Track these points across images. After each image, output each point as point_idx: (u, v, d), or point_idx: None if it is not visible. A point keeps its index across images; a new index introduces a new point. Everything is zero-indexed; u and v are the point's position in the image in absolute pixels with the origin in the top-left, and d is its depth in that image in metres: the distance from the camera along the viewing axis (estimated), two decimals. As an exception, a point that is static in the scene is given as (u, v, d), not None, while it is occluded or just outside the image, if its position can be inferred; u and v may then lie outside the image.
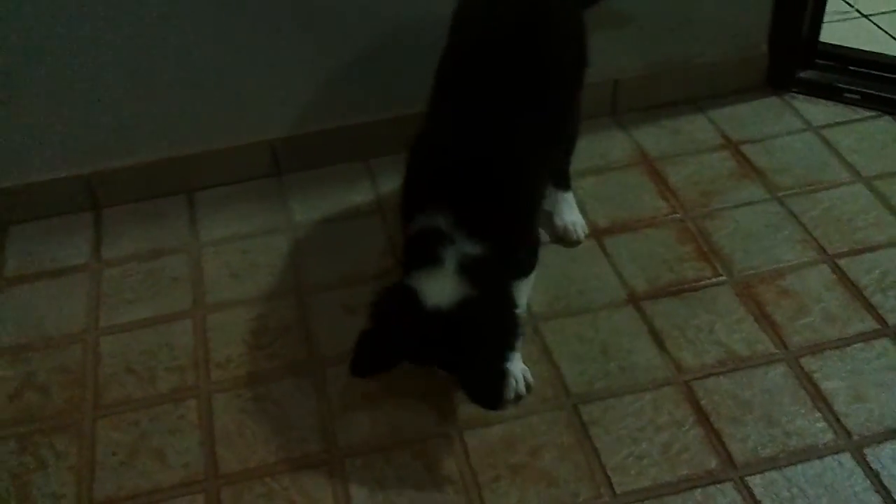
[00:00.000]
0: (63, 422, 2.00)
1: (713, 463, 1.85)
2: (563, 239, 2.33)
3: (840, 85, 2.74)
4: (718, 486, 1.81)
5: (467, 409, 1.96)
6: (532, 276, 2.03)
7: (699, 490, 1.80)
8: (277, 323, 2.19)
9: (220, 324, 2.19)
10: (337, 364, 2.08)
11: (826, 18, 2.75)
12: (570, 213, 2.34)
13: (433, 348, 1.77)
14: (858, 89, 2.72)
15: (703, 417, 1.93)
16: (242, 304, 2.24)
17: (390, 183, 2.52)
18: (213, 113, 2.48)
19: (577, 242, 2.32)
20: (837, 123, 2.66)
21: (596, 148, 2.63)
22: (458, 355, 1.74)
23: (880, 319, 2.10)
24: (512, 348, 1.84)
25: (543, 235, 2.30)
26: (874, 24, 3.10)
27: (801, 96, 2.76)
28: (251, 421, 1.98)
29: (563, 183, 2.35)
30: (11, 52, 2.26)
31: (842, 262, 2.24)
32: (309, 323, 2.18)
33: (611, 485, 1.82)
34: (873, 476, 1.80)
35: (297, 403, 2.01)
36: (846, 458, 1.84)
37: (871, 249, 2.27)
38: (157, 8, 2.28)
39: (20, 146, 2.40)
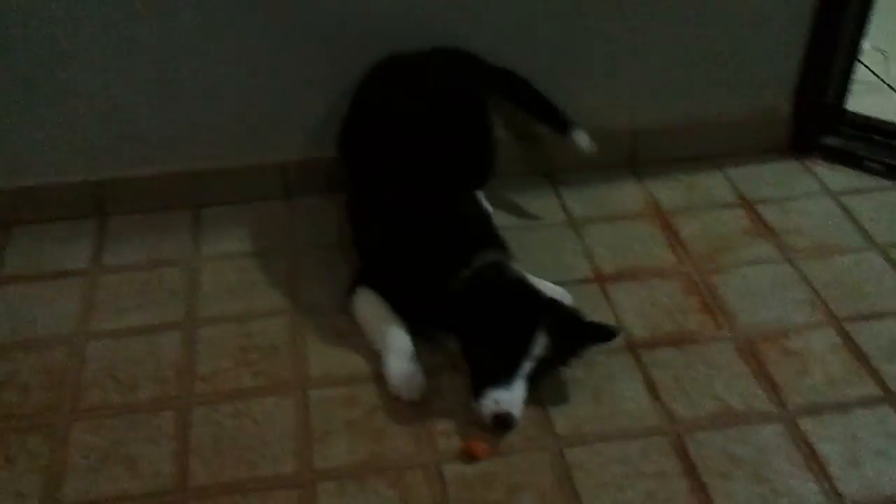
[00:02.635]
0: (38, 422, 1.97)
1: (698, 517, 1.78)
2: None
3: (862, 154, 2.70)
4: (700, 541, 1.74)
5: (446, 442, 1.91)
6: None
7: (680, 544, 1.74)
8: (267, 341, 2.15)
9: (209, 338, 2.17)
10: (322, 387, 2.04)
11: (854, 87, 2.73)
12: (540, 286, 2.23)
13: None
14: (881, 159, 2.68)
15: (690, 469, 1.86)
16: (235, 320, 2.21)
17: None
18: (228, 131, 2.49)
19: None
20: (857, 191, 2.62)
21: (609, 196, 2.61)
22: None
23: (884, 386, 2.03)
24: None
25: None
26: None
27: (822, 162, 2.73)
28: (227, 436, 1.94)
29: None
30: (36, 58, 2.30)
31: (849, 327, 2.17)
32: (299, 344, 2.15)
33: (588, 531, 1.76)
34: (864, 545, 1.72)
35: (276, 423, 1.96)
36: (836, 525, 1.77)
37: (881, 317, 2.21)
38: (182, 24, 2.31)
39: (31, 147, 2.42)
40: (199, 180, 2.53)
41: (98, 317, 2.23)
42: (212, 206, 2.57)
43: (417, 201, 2.19)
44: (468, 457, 1.89)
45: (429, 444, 1.92)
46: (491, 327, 1.93)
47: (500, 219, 2.49)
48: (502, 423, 1.89)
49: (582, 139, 2.48)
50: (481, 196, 2.46)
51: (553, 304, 2.03)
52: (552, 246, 2.44)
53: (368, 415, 1.98)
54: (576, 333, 2.01)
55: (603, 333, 2.03)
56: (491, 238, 2.16)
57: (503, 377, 1.91)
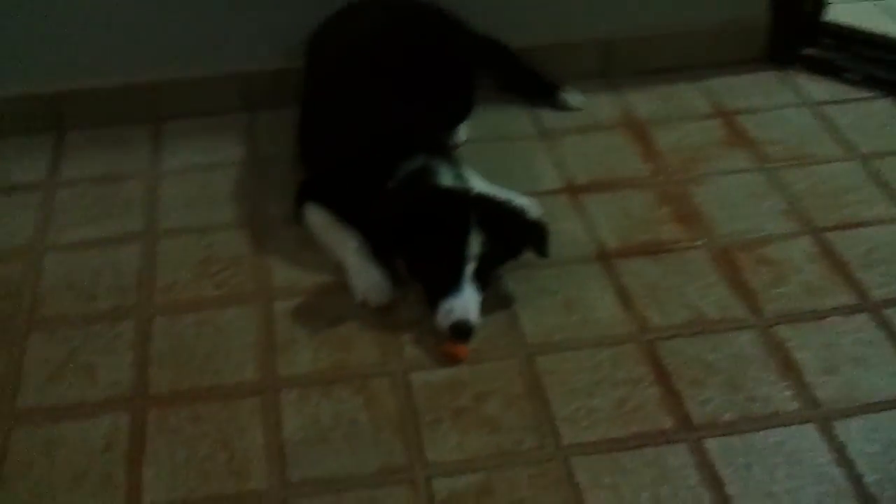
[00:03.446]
0: (-6, 332, 1.92)
1: (668, 423, 1.74)
2: None
3: (841, 64, 2.64)
4: (671, 445, 1.70)
5: (413, 351, 1.87)
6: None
7: (650, 448, 1.69)
8: (229, 253, 2.09)
9: (169, 249, 2.10)
10: (287, 298, 1.98)
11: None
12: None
13: None
14: (861, 70, 2.62)
15: (663, 377, 1.82)
16: (196, 232, 2.15)
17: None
18: (186, 40, 2.40)
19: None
20: (836, 101, 2.56)
21: (583, 108, 2.53)
22: None
23: (861, 294, 1.99)
24: None
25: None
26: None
27: (800, 73, 2.66)
28: (188, 345, 1.88)
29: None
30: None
31: (827, 236, 2.13)
32: (261, 255, 2.09)
33: (557, 435, 1.71)
34: (838, 448, 1.68)
35: (239, 333, 1.91)
36: (811, 429, 1.73)
37: (858, 225, 2.16)
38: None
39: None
40: (159, 92, 2.45)
41: (55, 230, 2.17)
42: (174, 120, 2.49)
43: (357, 111, 2.11)
44: (449, 359, 1.85)
45: (395, 353, 1.87)
46: (423, 237, 1.87)
47: (472, 131, 2.43)
48: (460, 330, 1.84)
49: (572, 98, 2.50)
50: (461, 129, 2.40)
51: (481, 198, 1.95)
52: (523, 158, 2.38)
53: (334, 324, 1.93)
54: (509, 225, 1.94)
55: (534, 229, 1.97)
56: (421, 144, 2.04)
57: (450, 285, 1.85)
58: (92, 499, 1.62)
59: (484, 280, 1.90)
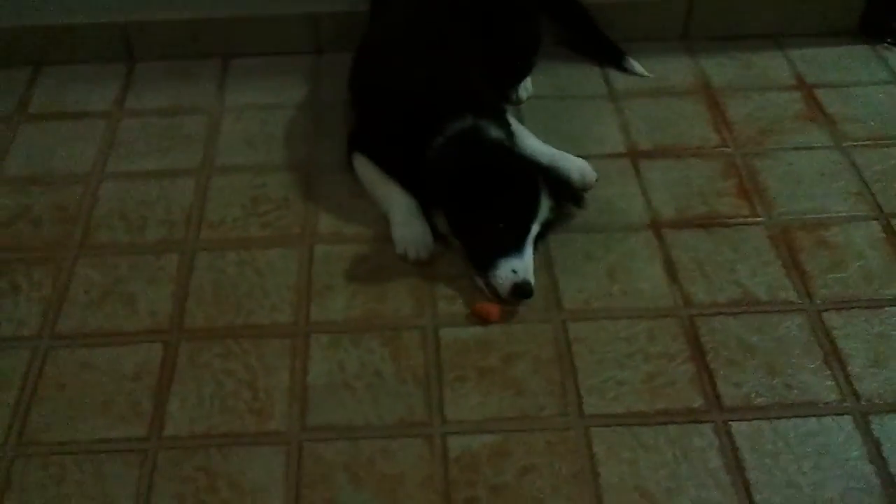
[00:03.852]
0: (46, 255, 1.97)
1: (697, 402, 1.69)
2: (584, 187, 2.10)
3: (940, 41, 2.48)
4: (697, 425, 1.65)
5: (447, 306, 1.85)
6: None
7: (675, 426, 1.65)
8: (279, 194, 2.10)
9: (222, 186, 2.13)
10: (329, 243, 1.99)
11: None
12: (563, 160, 2.11)
13: None
14: (960, 48, 2.46)
15: (699, 355, 1.77)
16: (249, 170, 2.17)
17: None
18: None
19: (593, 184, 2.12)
20: (929, 81, 2.41)
21: (656, 69, 2.45)
22: None
23: (923, 287, 1.89)
24: None
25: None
26: None
27: (893, 48, 2.50)
28: (228, 283, 1.91)
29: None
30: None
31: (896, 222, 2.03)
32: (311, 200, 2.09)
33: (580, 404, 1.68)
34: (872, 444, 1.62)
35: (278, 274, 1.93)
36: (847, 422, 1.66)
37: (934, 214, 2.05)
38: None
39: (61, -17, 2.37)
40: (229, 28, 2.46)
41: (115, 158, 2.21)
42: (242, 57, 2.50)
43: (408, 65, 2.06)
44: (481, 319, 1.83)
45: (430, 307, 1.86)
46: (485, 197, 1.83)
47: (539, 88, 2.38)
48: (522, 292, 1.81)
49: (637, 67, 2.44)
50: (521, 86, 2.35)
51: (544, 167, 1.96)
52: (589, 118, 2.31)
53: (372, 273, 1.93)
54: (564, 194, 1.96)
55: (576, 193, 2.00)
56: (469, 103, 1.98)
57: (514, 246, 1.83)
58: (118, 423, 1.67)
59: (536, 244, 1.89)
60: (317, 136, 2.26)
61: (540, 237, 1.89)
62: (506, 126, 2.02)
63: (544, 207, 1.86)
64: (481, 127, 1.95)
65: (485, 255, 1.85)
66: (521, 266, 1.83)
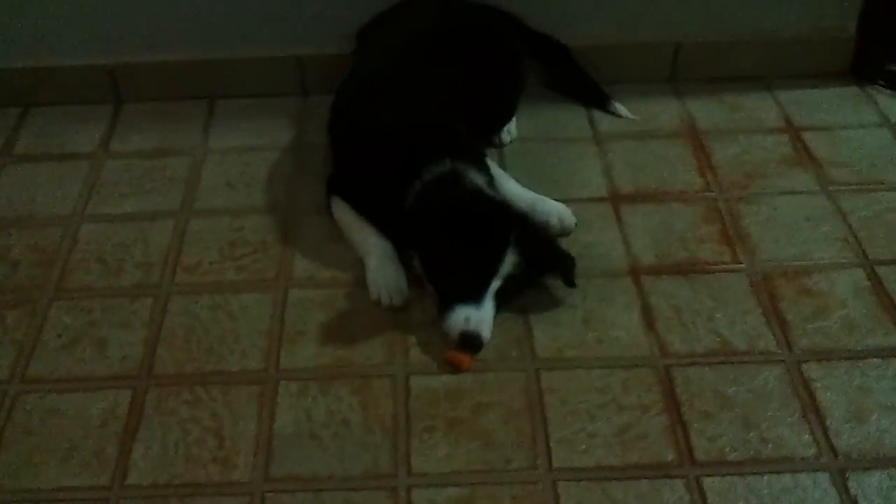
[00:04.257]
0: (21, 298, 1.97)
1: (670, 456, 1.65)
2: (563, 232, 2.09)
3: (933, 84, 2.45)
4: (668, 480, 1.61)
5: (419, 354, 1.83)
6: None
7: (645, 481, 1.61)
8: (257, 237, 2.10)
9: (200, 229, 2.12)
10: (303, 287, 1.98)
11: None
12: (542, 204, 2.10)
13: None
14: (953, 91, 2.43)
15: (672, 406, 1.73)
16: (229, 213, 2.16)
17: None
18: (243, 19, 2.41)
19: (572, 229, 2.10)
20: (920, 125, 2.38)
21: (642, 111, 2.43)
22: None
23: (906, 337, 1.85)
24: None
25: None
26: None
27: (885, 90, 2.48)
28: (200, 328, 1.90)
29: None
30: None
31: (881, 270, 1.98)
32: (288, 243, 2.08)
33: (550, 457, 1.65)
34: (849, 502, 1.57)
35: (251, 319, 1.91)
36: (823, 479, 1.61)
37: (919, 262, 2.01)
38: None
39: (49, 26, 2.39)
40: (215, 70, 2.47)
41: (96, 200, 2.22)
42: (228, 99, 2.51)
43: (388, 107, 2.04)
44: (452, 367, 1.81)
45: (402, 354, 1.84)
46: (456, 243, 1.81)
47: (523, 130, 2.37)
48: (469, 341, 1.79)
49: (622, 110, 2.43)
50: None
51: (521, 217, 1.91)
52: (572, 161, 2.29)
53: (345, 319, 1.91)
54: (541, 251, 1.89)
55: (564, 259, 1.91)
56: (448, 147, 1.96)
57: (473, 295, 1.81)
58: (81, 471, 1.65)
59: (501, 300, 1.85)
60: (298, 178, 2.26)
61: (508, 293, 1.85)
62: (485, 170, 2.00)
63: (508, 263, 1.81)
64: (459, 171, 1.93)
65: (446, 300, 1.84)
66: (474, 316, 1.80)
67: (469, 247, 1.81)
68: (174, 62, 2.45)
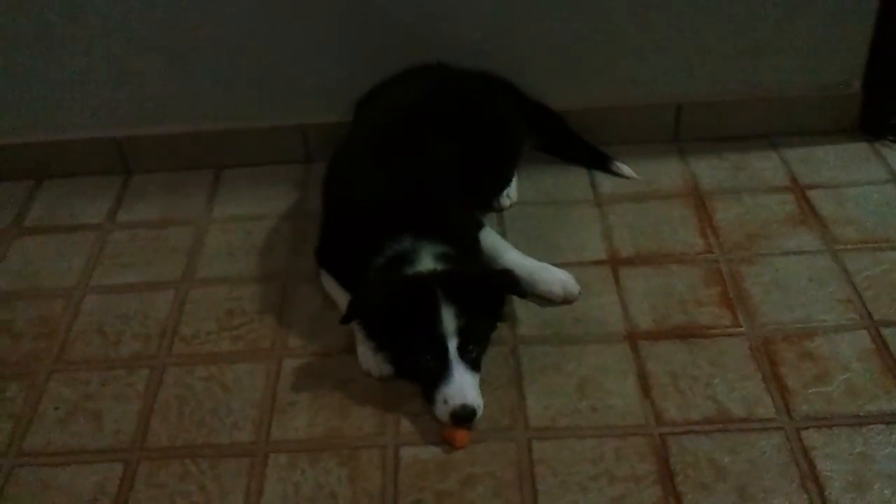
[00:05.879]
0: (21, 370, 2.00)
1: (661, 530, 1.62)
2: (566, 301, 2.07)
3: (943, 139, 2.40)
4: (658, 556, 1.58)
5: (409, 425, 1.82)
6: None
7: (635, 557, 1.58)
8: (254, 307, 2.11)
9: (200, 298, 2.14)
10: (298, 357, 1.98)
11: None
12: (544, 272, 2.07)
13: None
14: (964, 146, 2.38)
15: (667, 477, 1.69)
16: (228, 282, 2.18)
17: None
18: (246, 92, 2.45)
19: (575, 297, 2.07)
20: (930, 181, 2.33)
21: (645, 172, 2.42)
22: None
23: (910, 403, 1.79)
24: None
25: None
26: None
27: (893, 146, 2.44)
28: (194, 399, 1.90)
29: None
30: (53, 6, 2.31)
31: (886, 332, 1.93)
32: (284, 312, 2.09)
33: (537, 532, 1.62)
34: (846, 579, 1.52)
35: (244, 390, 1.92)
36: (820, 554, 1.57)
37: (926, 324, 1.95)
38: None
39: (57, 101, 2.45)
40: (221, 141, 2.51)
41: (100, 271, 2.25)
42: (234, 168, 2.55)
43: (362, 181, 2.04)
44: (447, 444, 1.79)
45: (392, 424, 1.83)
46: (398, 331, 1.80)
47: (524, 193, 2.37)
48: (460, 418, 1.76)
49: (625, 170, 2.42)
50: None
51: (444, 272, 1.84)
52: (572, 224, 2.28)
53: (337, 388, 1.90)
54: (477, 286, 1.85)
55: (500, 276, 1.92)
56: (411, 222, 1.91)
57: (439, 372, 1.78)
58: (69, 547, 1.66)
59: (474, 356, 1.82)
60: (297, 246, 2.27)
61: (473, 346, 1.81)
62: (462, 243, 1.96)
63: (447, 319, 1.77)
64: (414, 249, 1.89)
65: (424, 389, 1.83)
66: (450, 392, 1.77)
67: (407, 328, 1.79)
68: (182, 134, 2.50)
